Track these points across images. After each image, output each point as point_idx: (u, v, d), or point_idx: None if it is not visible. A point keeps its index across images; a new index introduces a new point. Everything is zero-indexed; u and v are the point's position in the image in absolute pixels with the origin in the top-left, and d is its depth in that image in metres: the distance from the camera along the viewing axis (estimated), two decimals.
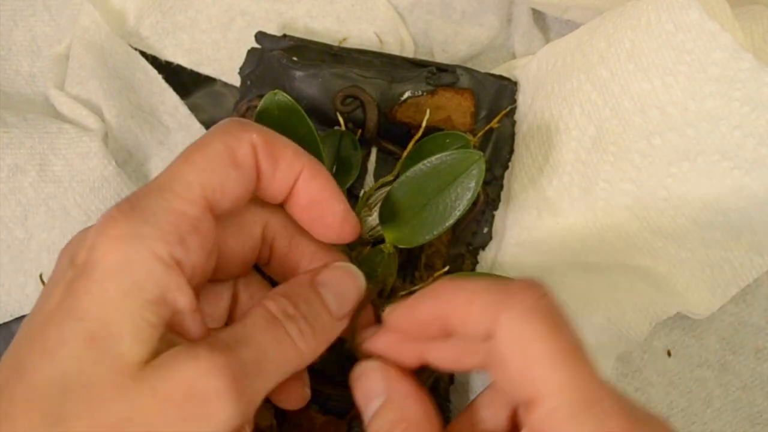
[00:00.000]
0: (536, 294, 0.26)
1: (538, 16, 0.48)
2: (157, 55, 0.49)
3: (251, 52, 0.44)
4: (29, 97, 0.49)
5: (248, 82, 0.44)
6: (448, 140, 0.39)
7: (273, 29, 0.46)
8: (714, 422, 0.46)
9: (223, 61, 0.49)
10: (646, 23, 0.37)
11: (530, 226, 0.42)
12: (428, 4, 0.49)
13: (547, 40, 0.48)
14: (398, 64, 0.43)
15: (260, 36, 0.44)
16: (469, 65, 0.45)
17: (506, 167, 0.43)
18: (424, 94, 0.41)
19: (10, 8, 0.49)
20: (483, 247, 0.43)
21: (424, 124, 0.41)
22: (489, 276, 0.37)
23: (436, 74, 0.42)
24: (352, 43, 0.48)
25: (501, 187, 0.43)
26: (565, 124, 0.40)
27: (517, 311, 0.26)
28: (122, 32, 0.49)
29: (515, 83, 0.44)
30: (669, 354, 0.46)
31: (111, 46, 0.47)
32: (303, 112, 0.36)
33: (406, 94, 0.41)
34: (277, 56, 0.42)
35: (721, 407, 0.46)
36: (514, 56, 0.49)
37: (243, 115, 0.42)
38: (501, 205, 0.43)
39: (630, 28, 0.37)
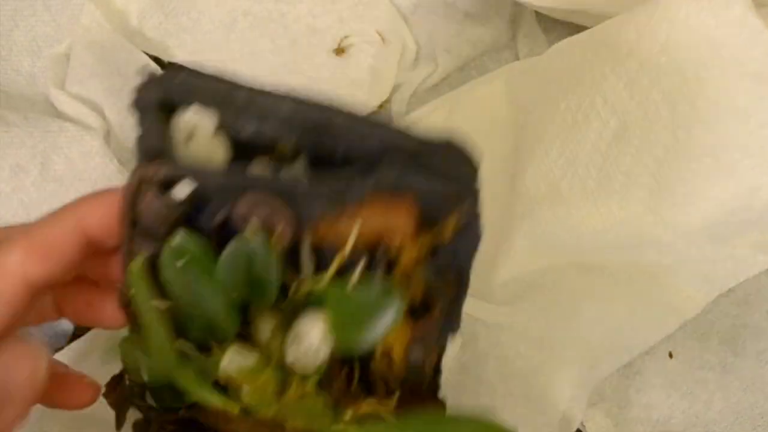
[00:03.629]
0: None
1: (541, 18, 0.48)
2: (160, 56, 0.49)
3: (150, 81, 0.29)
4: (30, 97, 0.49)
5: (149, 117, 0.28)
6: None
7: (275, 29, 0.46)
8: (715, 424, 0.46)
9: (226, 63, 0.49)
10: (684, 17, 0.36)
11: (542, 218, 0.42)
12: (431, 4, 0.48)
13: (550, 42, 0.48)
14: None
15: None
16: (472, 66, 0.44)
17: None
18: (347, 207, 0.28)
19: (11, 8, 0.48)
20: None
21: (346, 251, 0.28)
22: None
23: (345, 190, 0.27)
24: (353, 42, 0.48)
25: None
26: (585, 116, 0.40)
27: None
28: (125, 33, 0.48)
29: (462, 152, 0.29)
30: (670, 356, 0.46)
31: (113, 45, 0.47)
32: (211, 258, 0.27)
33: (326, 209, 0.28)
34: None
35: (722, 409, 0.46)
36: (517, 57, 0.49)
37: (138, 191, 0.27)
38: (506, 197, 0.42)
39: (666, 20, 0.36)
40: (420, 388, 0.30)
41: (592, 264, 0.43)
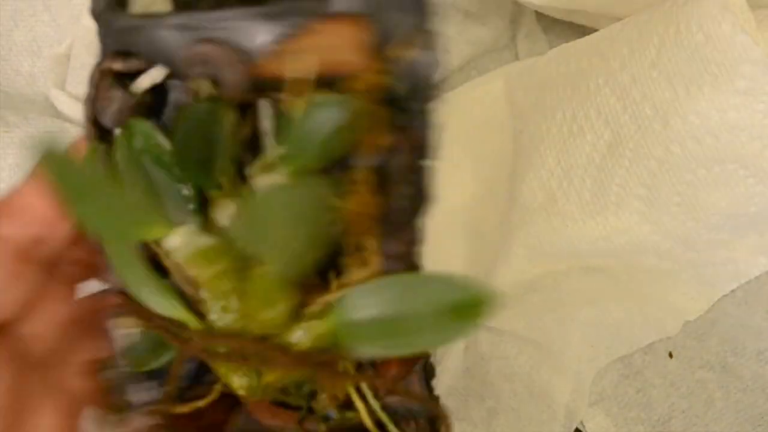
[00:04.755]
0: None
1: (541, 18, 0.48)
2: None
3: None
4: (30, 97, 0.48)
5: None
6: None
7: None
8: (715, 424, 0.45)
9: None
10: (674, 32, 0.36)
11: (539, 229, 0.42)
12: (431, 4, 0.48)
13: (550, 42, 0.48)
14: None
15: None
16: (472, 66, 0.44)
17: (430, 99, 0.28)
18: (296, 34, 0.25)
19: (11, 8, 0.48)
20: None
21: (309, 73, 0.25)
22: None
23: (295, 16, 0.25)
24: None
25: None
26: (579, 127, 0.40)
27: None
28: None
29: None
30: (670, 355, 0.46)
31: None
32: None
33: (273, 39, 0.26)
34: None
35: (722, 409, 0.45)
36: (518, 57, 0.48)
37: (98, 85, 0.26)
38: (504, 202, 0.42)
39: (657, 35, 0.36)
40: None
41: (592, 266, 0.43)
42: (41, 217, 0.26)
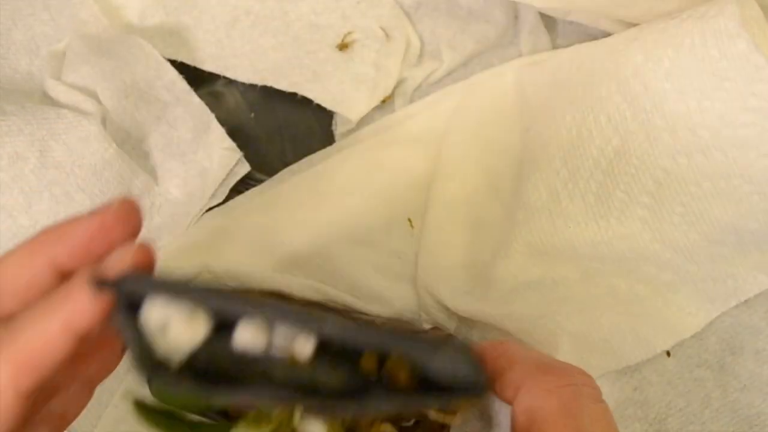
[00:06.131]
0: (563, 381, 0.27)
1: (543, 15, 0.48)
2: (161, 53, 0.48)
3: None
4: (27, 94, 0.48)
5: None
6: None
7: (277, 27, 0.45)
8: (712, 423, 0.45)
9: (227, 59, 0.48)
10: (689, 45, 0.36)
11: (541, 228, 0.42)
12: (434, 2, 0.48)
13: (553, 39, 0.48)
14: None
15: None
16: (476, 62, 0.43)
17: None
18: None
19: (10, 8, 0.47)
20: None
21: None
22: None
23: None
24: (357, 38, 0.47)
25: None
26: (588, 131, 0.40)
27: (537, 390, 0.27)
28: (126, 32, 0.47)
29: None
30: (668, 354, 0.45)
31: (108, 35, 0.46)
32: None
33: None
34: None
35: (719, 408, 0.45)
36: (521, 54, 0.48)
37: None
38: (509, 198, 0.42)
39: (672, 47, 0.37)
40: None
41: (591, 271, 0.42)
42: (57, 364, 0.24)
